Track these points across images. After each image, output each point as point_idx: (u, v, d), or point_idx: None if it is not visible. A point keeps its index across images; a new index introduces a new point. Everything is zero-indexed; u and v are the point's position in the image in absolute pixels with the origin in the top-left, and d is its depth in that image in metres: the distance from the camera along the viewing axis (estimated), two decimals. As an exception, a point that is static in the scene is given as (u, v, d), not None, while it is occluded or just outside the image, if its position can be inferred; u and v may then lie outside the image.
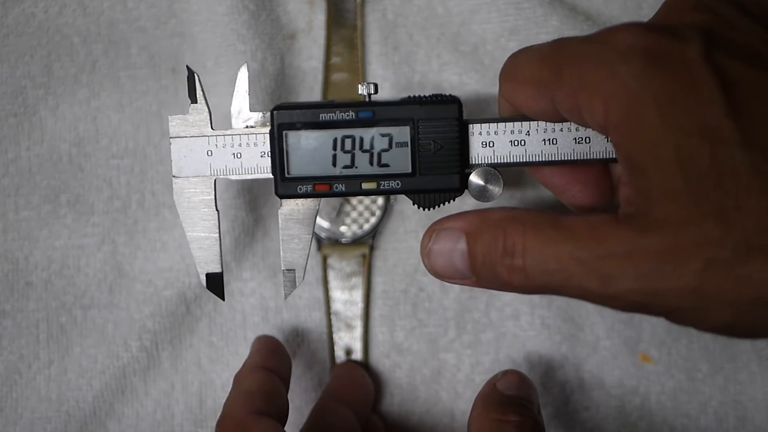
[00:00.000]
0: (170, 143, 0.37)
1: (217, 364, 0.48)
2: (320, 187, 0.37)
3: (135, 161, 0.49)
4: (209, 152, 0.37)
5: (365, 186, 0.37)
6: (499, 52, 0.48)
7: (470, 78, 0.48)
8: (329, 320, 0.48)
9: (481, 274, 0.33)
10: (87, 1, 0.49)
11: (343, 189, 0.37)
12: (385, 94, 0.48)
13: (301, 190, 0.37)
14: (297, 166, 0.37)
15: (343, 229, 0.48)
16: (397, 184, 0.36)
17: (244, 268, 0.49)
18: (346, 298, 0.48)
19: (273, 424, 0.38)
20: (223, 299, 0.39)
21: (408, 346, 0.48)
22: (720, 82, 0.29)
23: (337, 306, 0.48)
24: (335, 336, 0.48)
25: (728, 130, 0.28)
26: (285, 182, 0.37)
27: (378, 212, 0.48)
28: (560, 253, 0.30)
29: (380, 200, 0.48)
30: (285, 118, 0.36)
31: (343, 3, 0.49)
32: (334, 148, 0.36)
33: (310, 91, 0.49)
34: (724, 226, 0.28)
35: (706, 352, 0.47)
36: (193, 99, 0.38)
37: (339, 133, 0.36)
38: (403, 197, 0.48)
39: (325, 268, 0.48)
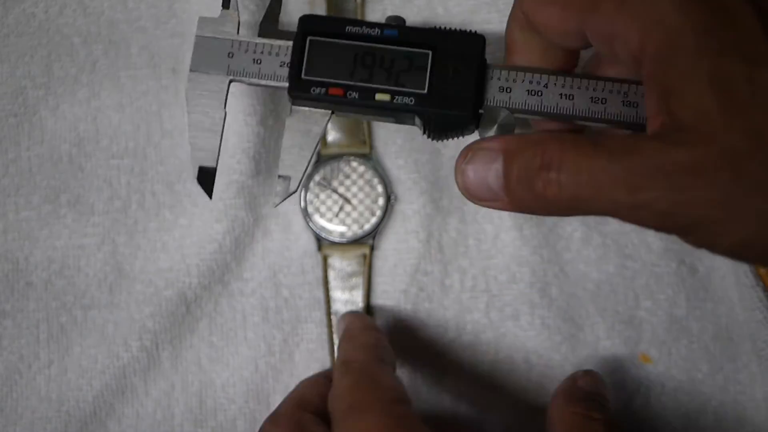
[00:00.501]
0: (194, 40, 0.37)
1: (217, 364, 0.48)
2: (334, 90, 0.36)
3: (135, 161, 0.49)
4: (230, 54, 0.37)
5: (379, 97, 0.36)
6: (499, 52, 0.48)
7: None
8: (329, 320, 0.48)
9: (514, 193, 0.33)
10: (87, 1, 0.49)
11: (357, 96, 0.36)
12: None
13: (314, 92, 0.36)
14: (314, 69, 0.36)
15: (343, 229, 0.48)
16: (411, 101, 0.36)
17: (244, 269, 0.49)
18: (347, 298, 0.48)
19: (393, 372, 0.40)
20: (210, 197, 0.38)
21: (408, 345, 0.48)
22: (757, 13, 0.30)
23: (337, 306, 0.48)
24: (335, 336, 0.48)
25: (766, 53, 0.29)
26: (300, 83, 0.36)
27: (378, 212, 0.48)
28: (593, 166, 0.31)
29: (381, 200, 0.48)
30: (310, 24, 0.37)
31: (343, 3, 0.49)
32: (354, 62, 0.36)
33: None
34: (755, 140, 0.29)
35: (706, 352, 0.48)
36: (226, 6, 0.38)
37: (361, 49, 0.36)
38: (403, 198, 0.48)
39: (325, 268, 0.48)
